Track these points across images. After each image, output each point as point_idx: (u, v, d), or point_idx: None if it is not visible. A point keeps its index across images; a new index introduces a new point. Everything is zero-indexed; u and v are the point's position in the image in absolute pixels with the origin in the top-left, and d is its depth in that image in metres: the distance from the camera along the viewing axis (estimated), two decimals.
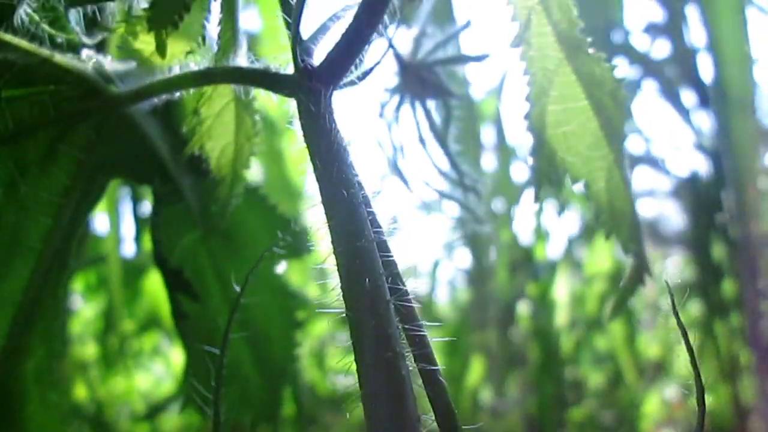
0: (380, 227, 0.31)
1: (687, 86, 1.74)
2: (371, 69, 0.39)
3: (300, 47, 0.37)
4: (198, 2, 0.40)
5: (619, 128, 0.44)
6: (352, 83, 0.38)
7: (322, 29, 0.39)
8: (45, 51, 0.41)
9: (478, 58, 0.55)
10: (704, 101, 1.72)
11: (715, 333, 1.95)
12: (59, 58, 0.42)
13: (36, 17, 0.41)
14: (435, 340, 0.30)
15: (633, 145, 1.81)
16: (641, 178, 1.86)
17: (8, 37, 0.40)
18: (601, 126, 0.44)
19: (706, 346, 1.94)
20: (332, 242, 0.30)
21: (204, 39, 0.41)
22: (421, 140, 0.56)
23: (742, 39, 1.34)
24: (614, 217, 0.45)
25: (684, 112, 1.74)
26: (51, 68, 0.41)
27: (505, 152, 1.93)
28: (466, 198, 0.56)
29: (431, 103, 0.58)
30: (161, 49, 0.40)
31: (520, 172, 1.89)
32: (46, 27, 0.42)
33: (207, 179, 0.49)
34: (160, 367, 2.14)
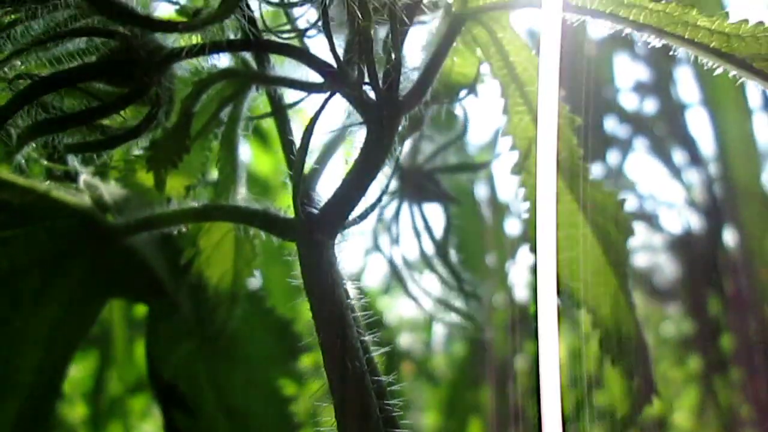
0: (389, 400, 0.30)
1: (677, 144, 1.76)
2: (373, 207, 0.39)
3: (301, 190, 0.36)
4: (199, 142, 0.39)
5: (622, 252, 0.44)
6: (353, 223, 0.38)
7: (321, 168, 0.39)
8: (42, 186, 0.41)
9: (479, 167, 0.55)
10: (695, 159, 1.74)
11: (715, 388, 1.93)
12: (56, 192, 0.41)
13: (35, 154, 0.40)
14: None
15: (628, 202, 1.82)
16: (637, 234, 1.86)
17: (5, 175, 0.40)
18: (604, 252, 0.44)
19: (706, 401, 1.92)
20: (336, 420, 0.29)
21: (204, 175, 0.41)
22: (421, 248, 0.56)
23: (742, 104, 1.36)
24: (621, 342, 0.44)
25: (675, 170, 1.76)
26: (48, 204, 0.41)
27: (498, 207, 1.94)
28: (468, 305, 0.56)
29: (431, 207, 0.58)
30: (160, 186, 0.40)
31: (514, 227, 1.89)
32: (44, 162, 0.41)
33: (203, 290, 0.49)
34: (150, 429, 2.09)
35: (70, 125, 0.34)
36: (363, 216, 0.38)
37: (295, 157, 0.34)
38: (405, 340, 2.11)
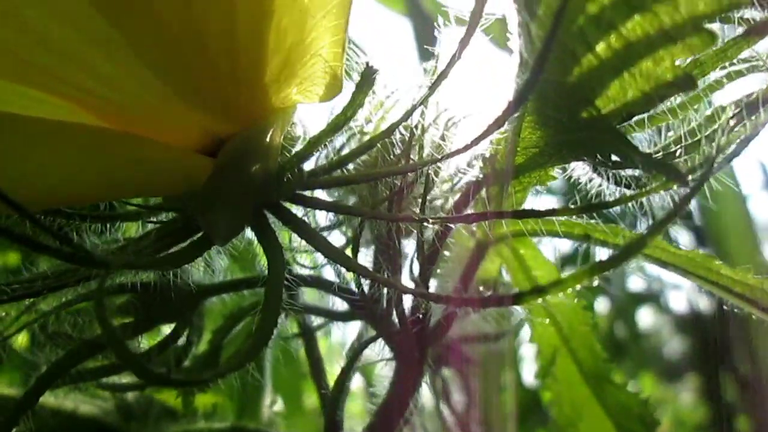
0: None
1: (682, 226, 1.78)
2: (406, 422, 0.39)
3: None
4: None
5: None
6: None
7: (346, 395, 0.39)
8: (69, 404, 0.41)
9: (498, 337, 0.55)
10: (700, 241, 1.74)
11: None
12: (83, 408, 0.41)
13: None
14: None
15: (635, 283, 1.82)
16: (645, 315, 1.85)
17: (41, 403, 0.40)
18: None
19: None
20: None
21: (231, 392, 0.41)
22: (439, 411, 0.55)
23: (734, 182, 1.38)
24: None
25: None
26: (75, 424, 0.41)
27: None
28: None
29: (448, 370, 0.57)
30: (188, 407, 0.40)
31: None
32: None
33: None
34: None
35: (104, 375, 0.35)
36: None
37: (326, 403, 0.34)
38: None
